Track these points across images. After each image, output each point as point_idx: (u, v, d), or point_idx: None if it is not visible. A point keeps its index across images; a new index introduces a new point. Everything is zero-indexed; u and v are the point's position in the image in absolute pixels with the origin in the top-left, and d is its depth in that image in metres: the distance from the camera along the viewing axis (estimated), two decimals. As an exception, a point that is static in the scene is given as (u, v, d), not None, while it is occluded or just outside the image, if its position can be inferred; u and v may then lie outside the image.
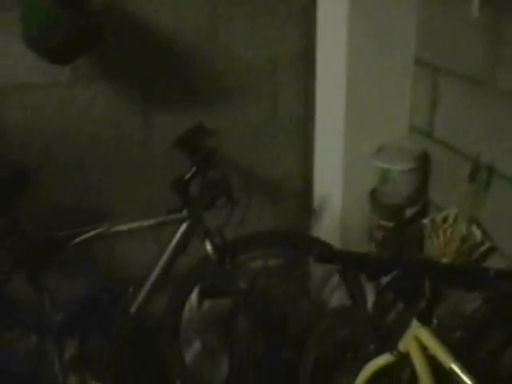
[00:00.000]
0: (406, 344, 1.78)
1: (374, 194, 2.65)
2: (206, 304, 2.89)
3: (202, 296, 2.86)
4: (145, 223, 2.40)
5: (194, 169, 2.33)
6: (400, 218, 2.56)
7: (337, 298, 2.86)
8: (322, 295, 2.97)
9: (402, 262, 1.71)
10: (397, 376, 1.86)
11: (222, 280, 2.52)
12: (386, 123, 2.58)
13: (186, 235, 2.44)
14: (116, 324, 2.47)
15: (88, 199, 2.71)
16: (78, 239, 2.36)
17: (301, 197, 3.02)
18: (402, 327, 1.83)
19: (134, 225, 2.40)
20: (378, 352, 1.89)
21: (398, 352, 1.80)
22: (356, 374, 1.95)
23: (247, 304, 2.60)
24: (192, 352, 2.83)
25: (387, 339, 1.90)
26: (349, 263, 1.80)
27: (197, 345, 2.84)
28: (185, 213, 2.40)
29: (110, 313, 2.43)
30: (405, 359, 1.79)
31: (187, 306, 2.87)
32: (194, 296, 2.87)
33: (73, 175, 2.66)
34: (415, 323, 1.72)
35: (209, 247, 2.41)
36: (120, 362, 2.17)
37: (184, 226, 2.42)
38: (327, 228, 2.84)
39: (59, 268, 2.48)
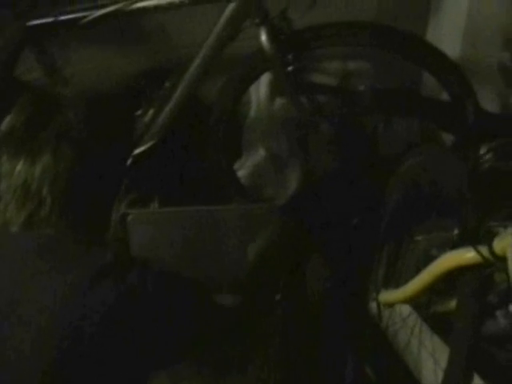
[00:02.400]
0: (504, 246, 1.11)
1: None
2: (279, 101, 2.27)
3: (272, 88, 2.23)
4: (176, -1, 1.73)
5: None
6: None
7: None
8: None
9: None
10: (487, 277, 1.23)
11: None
12: None
13: (235, 18, 1.76)
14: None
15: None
16: (88, 18, 1.77)
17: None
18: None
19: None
20: (462, 235, 1.25)
21: (492, 253, 1.14)
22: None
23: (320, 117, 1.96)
24: (254, 159, 2.28)
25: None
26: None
27: (261, 151, 2.28)
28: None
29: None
30: (499, 263, 1.15)
31: (254, 101, 2.28)
32: (263, 88, 2.25)
33: None
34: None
35: (264, 38, 1.73)
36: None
37: (231, 6, 1.73)
38: (448, 24, 2.01)
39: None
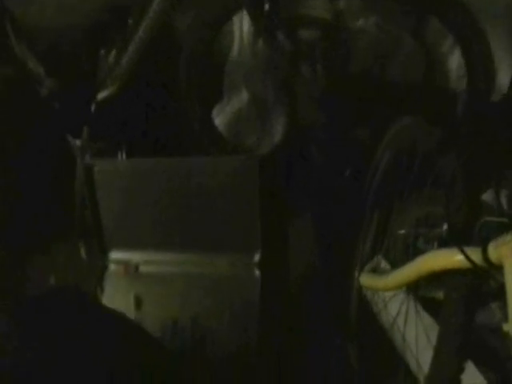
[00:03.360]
0: (501, 255, 0.91)
1: None
2: (260, 42, 2.01)
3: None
4: None
5: None
6: None
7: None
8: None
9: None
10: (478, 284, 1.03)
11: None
12: None
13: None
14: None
15: None
16: None
17: None
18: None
19: None
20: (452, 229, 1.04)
21: (486, 259, 0.93)
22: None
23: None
24: (236, 103, 2.05)
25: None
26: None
27: (244, 95, 2.04)
28: None
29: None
30: (493, 271, 0.95)
31: (236, 38, 2.02)
32: (246, 24, 1.98)
33: None
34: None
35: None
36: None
37: None
38: None
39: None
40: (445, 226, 1.02)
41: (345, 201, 1.86)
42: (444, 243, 1.02)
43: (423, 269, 1.04)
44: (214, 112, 1.96)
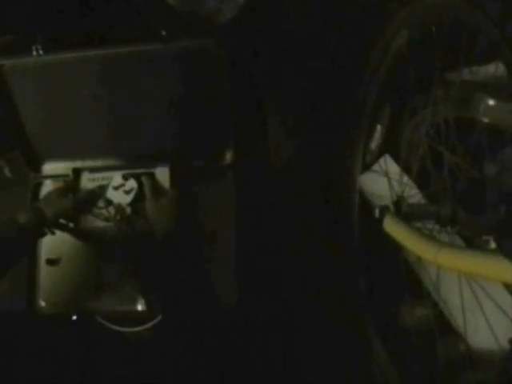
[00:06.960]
0: None
1: None
2: None
3: None
4: None
5: None
6: None
7: None
8: None
9: None
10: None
11: None
12: None
13: None
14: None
15: None
16: None
17: None
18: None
19: None
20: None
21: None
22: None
23: None
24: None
25: None
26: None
27: None
28: None
29: None
30: None
31: None
32: None
33: None
34: None
35: None
36: None
37: None
38: None
39: None
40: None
41: (333, 88, 1.46)
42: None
43: (464, 269, 0.70)
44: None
